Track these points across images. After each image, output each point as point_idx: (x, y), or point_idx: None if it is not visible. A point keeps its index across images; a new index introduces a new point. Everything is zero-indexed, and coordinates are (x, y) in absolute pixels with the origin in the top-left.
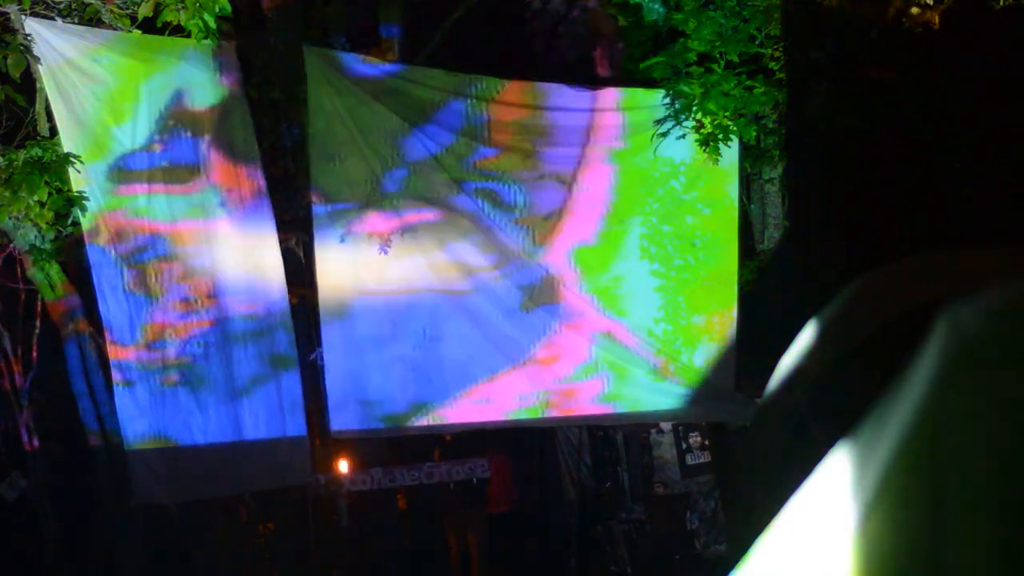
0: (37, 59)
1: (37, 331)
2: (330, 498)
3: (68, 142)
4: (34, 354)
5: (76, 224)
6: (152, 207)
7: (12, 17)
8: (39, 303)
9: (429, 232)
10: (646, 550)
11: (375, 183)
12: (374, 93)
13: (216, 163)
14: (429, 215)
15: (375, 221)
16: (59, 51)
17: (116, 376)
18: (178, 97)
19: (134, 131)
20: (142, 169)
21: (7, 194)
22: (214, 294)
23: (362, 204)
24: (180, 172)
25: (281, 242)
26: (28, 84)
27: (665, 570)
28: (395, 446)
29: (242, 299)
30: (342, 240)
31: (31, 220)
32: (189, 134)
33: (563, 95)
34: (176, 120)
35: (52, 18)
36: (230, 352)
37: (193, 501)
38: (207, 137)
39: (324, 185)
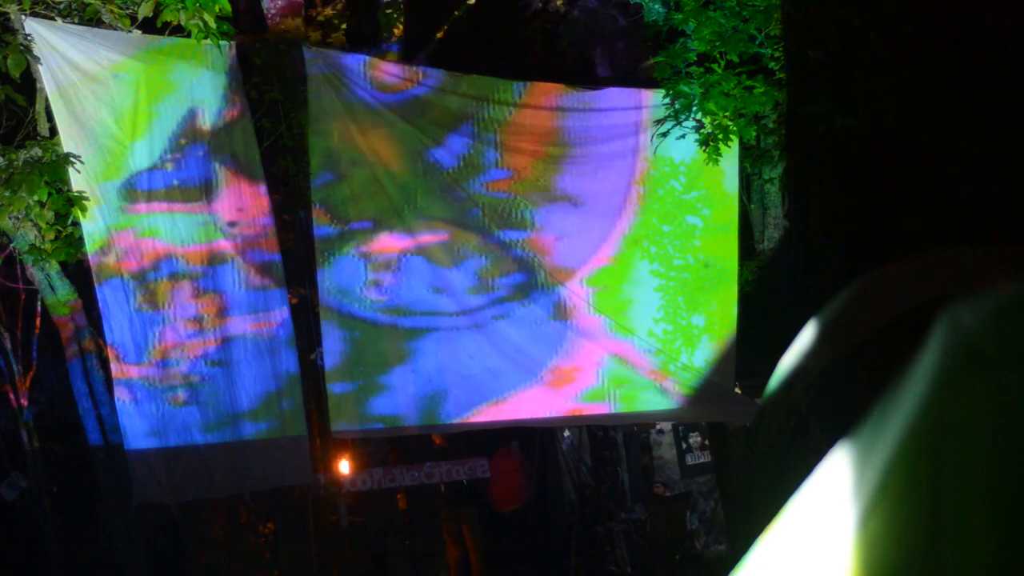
0: (37, 59)
1: (37, 331)
2: (330, 498)
3: (68, 142)
4: (34, 354)
5: (76, 224)
6: (153, 215)
7: (12, 17)
8: (39, 303)
9: (436, 241)
10: (646, 550)
11: (376, 185)
12: (375, 94)
13: (216, 165)
14: (439, 226)
15: (374, 220)
16: (59, 51)
17: (121, 389)
18: (178, 97)
19: (134, 131)
20: (143, 172)
21: (7, 194)
22: (214, 296)
23: (362, 203)
24: (179, 171)
25: (281, 242)
26: (28, 84)
27: (665, 570)
28: (395, 446)
29: (242, 300)
30: (341, 239)
31: (31, 220)
32: (189, 135)
33: (580, 98)
34: (176, 120)
35: (52, 18)
36: (231, 354)
37: (193, 501)
38: (207, 138)
39: (324, 184)
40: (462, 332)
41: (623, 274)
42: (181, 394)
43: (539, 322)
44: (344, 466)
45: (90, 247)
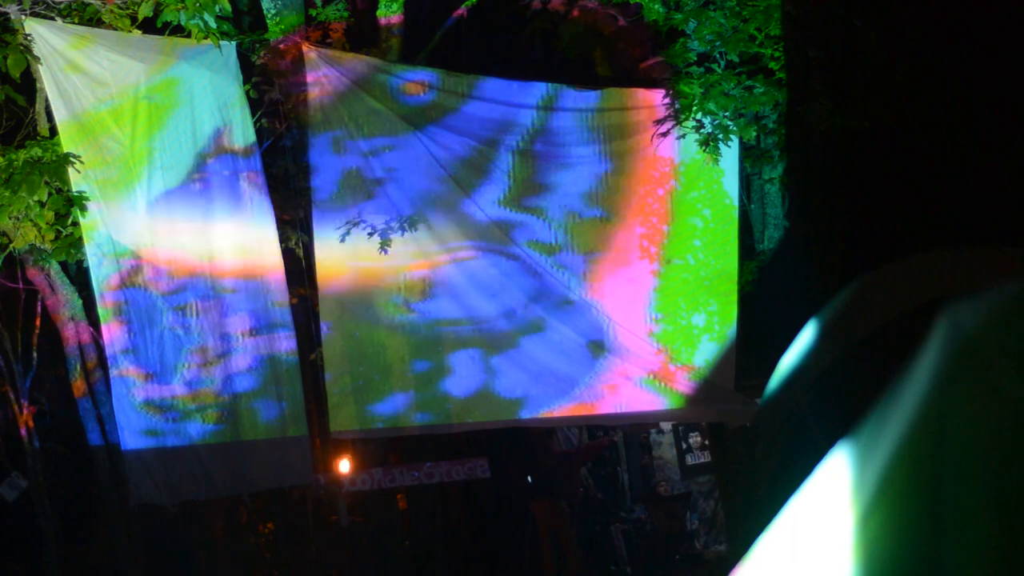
0: (37, 59)
1: (37, 331)
2: (330, 498)
3: (68, 142)
4: (34, 354)
5: (76, 224)
6: (154, 216)
7: (12, 17)
8: (39, 303)
9: (428, 234)
10: (646, 550)
11: (379, 191)
12: (375, 94)
13: (216, 165)
14: (447, 236)
15: (373, 220)
16: (59, 51)
17: (119, 389)
18: (178, 98)
19: (134, 131)
20: (142, 173)
21: (7, 194)
22: (214, 296)
23: (361, 205)
24: (178, 170)
25: (281, 242)
26: (28, 84)
27: (665, 570)
28: (395, 446)
29: (242, 300)
30: (341, 240)
31: (31, 220)
32: (189, 135)
33: (582, 97)
34: (177, 121)
35: (52, 18)
36: (230, 352)
37: (193, 501)
38: (207, 138)
39: (326, 187)
40: (471, 340)
41: (625, 274)
42: (179, 395)
43: (572, 345)
44: (344, 466)
45: (87, 241)
